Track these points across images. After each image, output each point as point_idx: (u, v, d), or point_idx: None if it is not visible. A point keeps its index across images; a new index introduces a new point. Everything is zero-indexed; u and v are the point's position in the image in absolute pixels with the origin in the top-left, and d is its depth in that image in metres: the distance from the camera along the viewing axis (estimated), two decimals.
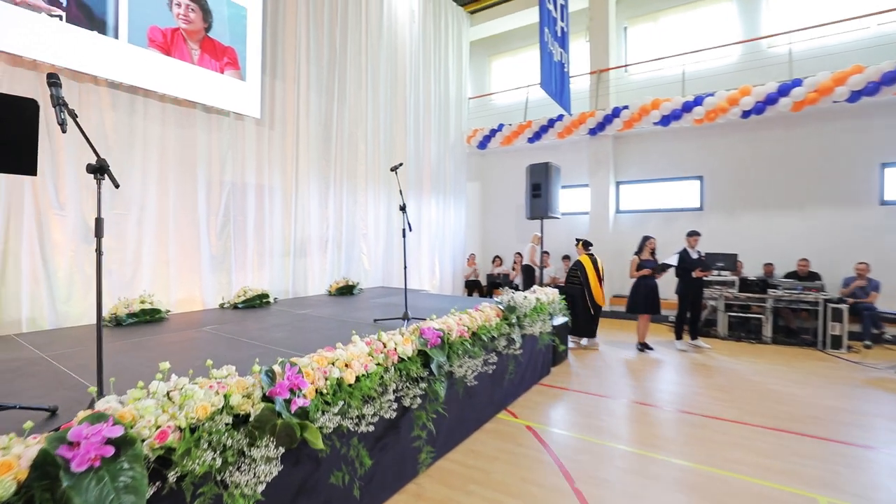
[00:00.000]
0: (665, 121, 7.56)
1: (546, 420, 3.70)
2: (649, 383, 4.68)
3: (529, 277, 8.38)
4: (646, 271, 5.88)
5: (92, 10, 3.91)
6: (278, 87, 5.91)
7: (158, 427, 1.47)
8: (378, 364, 2.38)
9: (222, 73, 4.89)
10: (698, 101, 7.25)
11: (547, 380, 4.75)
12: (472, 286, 9.67)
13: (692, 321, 6.28)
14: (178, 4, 4.48)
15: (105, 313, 3.92)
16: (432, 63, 8.76)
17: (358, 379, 2.22)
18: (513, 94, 9.93)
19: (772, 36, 7.47)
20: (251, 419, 1.70)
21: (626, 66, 8.86)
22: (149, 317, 3.95)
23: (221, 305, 4.84)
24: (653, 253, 6.07)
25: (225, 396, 1.68)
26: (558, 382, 4.66)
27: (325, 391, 2.03)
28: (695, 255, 6.11)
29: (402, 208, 3.74)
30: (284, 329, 3.69)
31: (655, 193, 8.60)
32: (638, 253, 6.06)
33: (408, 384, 2.52)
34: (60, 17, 3.73)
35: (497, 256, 9.95)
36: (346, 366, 2.20)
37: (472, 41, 10.35)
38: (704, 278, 6.24)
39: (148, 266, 4.62)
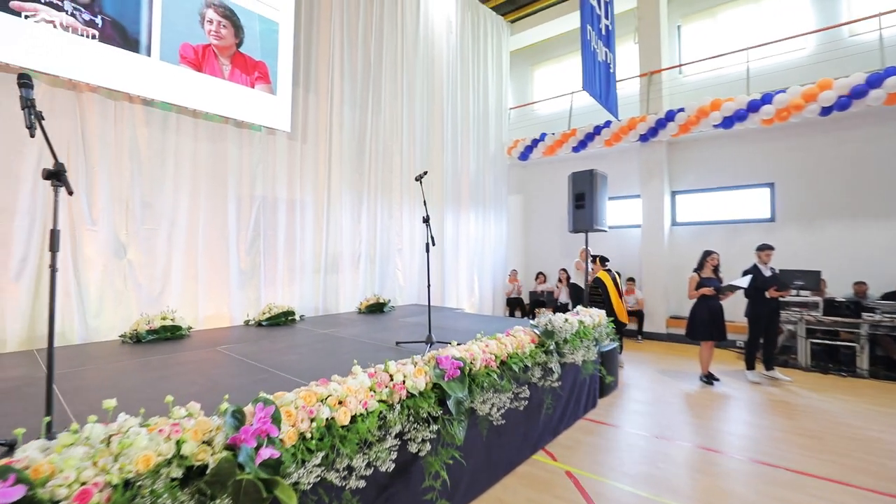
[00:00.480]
0: (727, 122, 6.81)
1: (589, 465, 3.17)
2: (716, 423, 3.99)
3: (577, 296, 7.77)
4: (707, 290, 5.16)
5: (126, 29, 3.97)
6: (311, 101, 5.86)
7: (82, 484, 1.19)
8: (381, 401, 2.03)
9: (253, 87, 4.86)
10: (766, 99, 6.46)
11: (593, 414, 4.18)
12: (513, 304, 9.17)
13: (766, 348, 5.44)
14: (210, 21, 4.50)
15: (127, 329, 3.89)
16: (471, 74, 8.52)
17: (354, 419, 1.88)
18: (556, 102, 9.47)
19: (855, 21, 6.57)
20: (208, 472, 1.39)
21: (680, 66, 8.16)
22: (170, 334, 3.85)
23: (246, 322, 4.71)
24: (715, 270, 5.34)
25: (177, 443, 1.39)
26: (607, 418, 4.08)
27: (309, 435, 1.71)
28: (768, 272, 5.32)
29: (426, 220, 3.42)
30: (300, 350, 3.44)
31: (717, 203, 7.75)
32: (697, 270, 5.35)
33: (416, 425, 2.14)
34: (94, 37, 3.80)
35: (540, 273, 9.40)
36: (340, 403, 1.87)
37: (513, 51, 10.05)
38: (780, 298, 5.41)
39: (177, 281, 4.59)
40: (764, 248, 5.37)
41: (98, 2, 3.81)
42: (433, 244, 3.40)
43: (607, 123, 7.90)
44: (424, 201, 3.53)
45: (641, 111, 7.93)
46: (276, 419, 1.60)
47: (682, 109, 7.20)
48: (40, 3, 3.54)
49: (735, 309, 6.02)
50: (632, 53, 8.51)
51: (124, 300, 4.24)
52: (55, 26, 3.60)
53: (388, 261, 6.96)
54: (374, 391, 2.03)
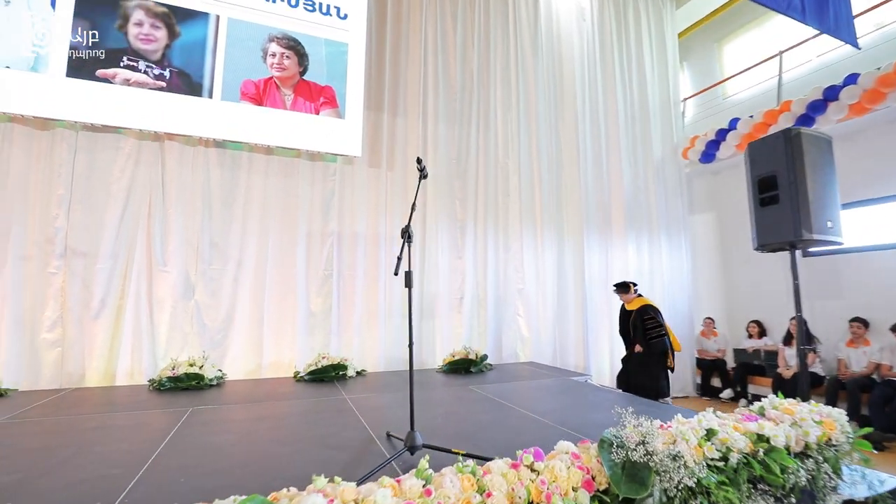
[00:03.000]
0: None
1: None
2: None
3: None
4: None
5: (191, 76, 4.11)
6: (399, 124, 5.26)
7: None
8: None
9: (317, 113, 4.52)
10: None
11: None
12: (708, 368, 6.29)
13: None
14: (273, 55, 4.39)
15: (154, 374, 3.68)
16: (617, 66, 6.67)
17: None
18: (756, 78, 6.57)
19: None
20: None
21: None
22: (194, 383, 3.46)
23: (295, 375, 4.06)
24: None
25: None
26: None
27: None
28: None
29: (405, 234, 2.12)
30: (261, 440, 2.49)
31: None
32: None
33: None
34: (161, 89, 4.02)
35: (754, 322, 6.27)
36: None
37: (686, 28, 7.67)
38: None
39: (241, 323, 4.34)
40: None
41: (167, 57, 4.05)
42: (395, 273, 2.06)
43: (850, 79, 4.85)
44: (414, 204, 2.23)
45: None
46: None
47: None
48: (119, 67, 3.91)
49: None
50: None
51: (190, 342, 4.16)
52: (129, 84, 3.92)
53: (505, 304, 5.55)
54: None
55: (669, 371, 4.60)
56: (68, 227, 3.88)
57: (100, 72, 3.85)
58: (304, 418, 2.65)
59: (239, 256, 4.40)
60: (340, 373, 3.91)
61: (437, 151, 5.40)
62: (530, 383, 3.83)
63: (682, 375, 6.34)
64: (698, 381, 6.39)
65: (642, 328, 4.59)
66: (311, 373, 3.84)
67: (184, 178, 4.29)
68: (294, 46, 4.47)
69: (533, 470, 1.48)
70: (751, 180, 2.91)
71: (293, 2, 4.49)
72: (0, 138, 3.79)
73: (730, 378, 6.07)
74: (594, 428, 2.39)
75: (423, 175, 2.31)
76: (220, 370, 3.82)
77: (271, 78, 4.36)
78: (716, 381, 6.25)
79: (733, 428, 1.84)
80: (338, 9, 4.68)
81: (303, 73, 4.50)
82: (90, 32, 3.84)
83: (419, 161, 2.30)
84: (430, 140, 5.37)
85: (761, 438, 1.82)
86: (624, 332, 4.95)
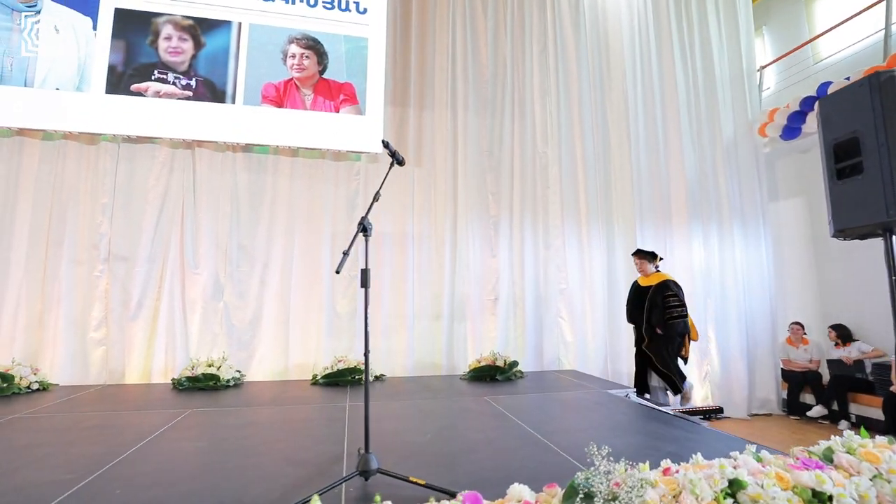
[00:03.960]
0: None
1: None
2: None
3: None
4: None
5: (214, 84, 4.23)
6: (426, 119, 5.04)
7: None
8: None
9: (337, 111, 4.44)
10: None
11: None
12: (797, 381, 5.29)
13: None
14: (293, 56, 4.39)
15: (177, 373, 3.78)
16: (675, 34, 5.89)
17: None
18: (851, 37, 5.43)
19: None
20: None
21: None
22: (211, 383, 3.50)
23: (313, 378, 3.97)
24: None
25: None
26: None
27: None
28: None
29: (362, 227, 1.87)
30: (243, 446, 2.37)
31: None
32: None
33: None
34: (188, 98, 4.16)
35: (833, 326, 5.15)
36: None
37: None
38: None
39: (268, 325, 4.38)
40: None
41: (193, 67, 4.20)
42: (338, 271, 1.81)
43: None
44: (378, 194, 1.96)
45: None
46: None
47: None
48: (151, 80, 4.11)
49: None
50: None
51: (219, 342, 4.26)
52: (160, 96, 4.10)
53: (546, 306, 5.10)
54: None
55: (683, 361, 3.99)
56: (111, 233, 4.15)
57: (134, 86, 4.08)
58: (290, 426, 2.50)
59: (265, 258, 4.45)
60: (356, 377, 3.76)
61: (466, 144, 5.10)
62: (559, 395, 3.40)
63: (764, 388, 5.42)
64: (784, 395, 5.41)
65: (662, 306, 3.88)
66: (325, 376, 3.74)
67: (213, 182, 4.42)
68: (313, 46, 4.44)
69: None
70: (824, 147, 2.26)
71: (312, 1, 4.47)
72: (55, 154, 4.15)
73: (823, 391, 5.04)
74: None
75: (396, 160, 2.05)
76: (239, 371, 3.84)
77: (291, 79, 4.36)
78: (808, 398, 5.24)
79: (777, 479, 1.34)
80: (357, 3, 4.58)
81: (322, 71, 4.45)
82: (126, 51, 4.09)
83: (386, 144, 2.04)
84: (459, 132, 5.09)
85: (818, 497, 1.31)
86: (635, 316, 4.15)
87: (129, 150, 4.27)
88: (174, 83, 4.14)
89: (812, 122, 5.15)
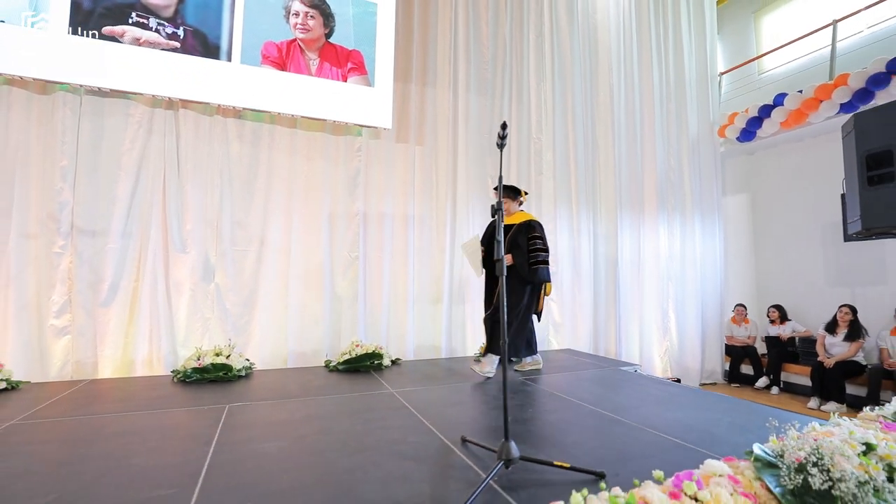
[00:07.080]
0: None
1: None
2: None
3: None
4: None
5: (206, 36, 3.69)
6: (428, 95, 4.86)
7: None
8: None
9: (345, 80, 4.13)
10: None
11: None
12: (737, 355, 6.10)
13: None
14: (297, 14, 3.97)
15: (175, 363, 3.40)
16: (653, 36, 6.26)
17: None
18: (791, 53, 6.18)
19: None
20: None
21: None
22: (222, 374, 3.17)
23: (327, 364, 3.78)
24: None
25: None
26: None
27: None
28: None
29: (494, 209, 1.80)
30: (285, 436, 2.21)
31: None
32: None
33: None
34: (175, 49, 3.60)
35: (774, 307, 6.02)
36: None
37: None
38: None
39: (264, 309, 4.04)
40: None
41: (180, 13, 3.62)
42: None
43: None
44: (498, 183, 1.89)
45: None
46: None
47: None
48: (128, 24, 3.48)
49: None
50: None
51: (211, 328, 3.85)
52: (140, 44, 3.50)
53: None
54: None
55: (536, 317, 3.61)
56: (74, 201, 3.52)
57: (106, 29, 3.42)
58: (357, 418, 2.37)
59: (261, 237, 4.07)
60: (376, 362, 3.63)
61: (468, 125, 5.03)
62: (579, 374, 3.59)
63: (711, 361, 6.16)
64: (727, 367, 6.22)
65: (525, 248, 3.40)
66: (344, 362, 3.56)
67: (200, 151, 3.91)
68: (319, 5, 4.04)
69: (696, 500, 1.21)
70: (857, 155, 2.60)
71: None
72: None
73: (762, 365, 5.89)
74: (687, 431, 2.14)
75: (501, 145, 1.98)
76: (249, 359, 3.53)
77: (295, 40, 3.95)
78: (746, 369, 6.08)
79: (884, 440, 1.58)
80: None
81: (328, 34, 4.08)
82: None
83: (504, 126, 1.97)
84: (461, 112, 4.99)
85: None
86: (491, 261, 3.48)
87: (94, 104, 3.60)
88: (157, 30, 3.54)
89: (767, 127, 5.82)
